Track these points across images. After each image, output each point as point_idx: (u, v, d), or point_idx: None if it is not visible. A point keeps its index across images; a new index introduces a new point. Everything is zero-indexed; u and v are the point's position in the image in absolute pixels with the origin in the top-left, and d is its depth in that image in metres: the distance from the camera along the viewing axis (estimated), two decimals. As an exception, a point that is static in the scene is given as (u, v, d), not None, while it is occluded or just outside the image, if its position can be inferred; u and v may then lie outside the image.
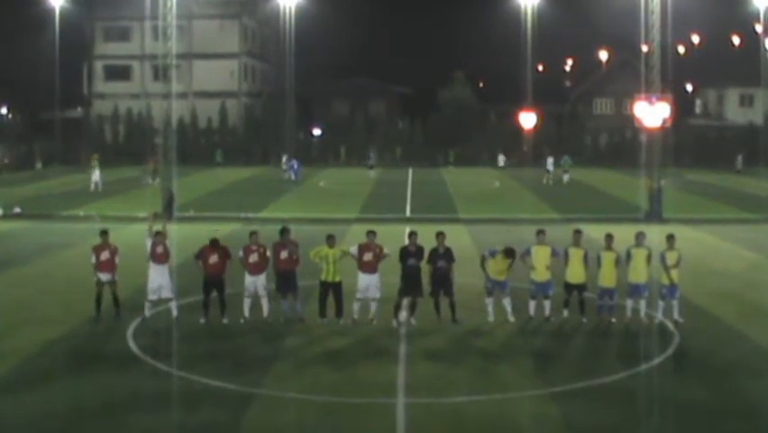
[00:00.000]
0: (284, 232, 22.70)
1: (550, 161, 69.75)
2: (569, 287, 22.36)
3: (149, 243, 22.48)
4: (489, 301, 22.39)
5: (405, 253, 21.98)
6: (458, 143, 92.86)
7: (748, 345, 20.62)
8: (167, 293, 22.33)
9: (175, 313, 22.32)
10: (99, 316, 22.39)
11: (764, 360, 19.33)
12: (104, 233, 23.16)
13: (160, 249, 22.38)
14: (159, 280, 22.23)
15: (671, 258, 22.30)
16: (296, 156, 72.26)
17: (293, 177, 64.52)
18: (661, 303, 22.35)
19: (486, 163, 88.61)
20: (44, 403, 16.23)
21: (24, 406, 16.09)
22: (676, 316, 22.25)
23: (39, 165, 73.33)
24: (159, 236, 22.70)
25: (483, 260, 22.66)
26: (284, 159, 71.85)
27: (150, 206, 44.83)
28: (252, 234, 22.79)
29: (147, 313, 22.37)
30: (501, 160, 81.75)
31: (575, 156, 80.00)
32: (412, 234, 22.35)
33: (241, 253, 22.31)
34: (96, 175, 58.24)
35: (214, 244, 22.37)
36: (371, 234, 22.39)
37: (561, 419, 15.52)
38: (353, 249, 22.27)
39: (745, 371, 18.40)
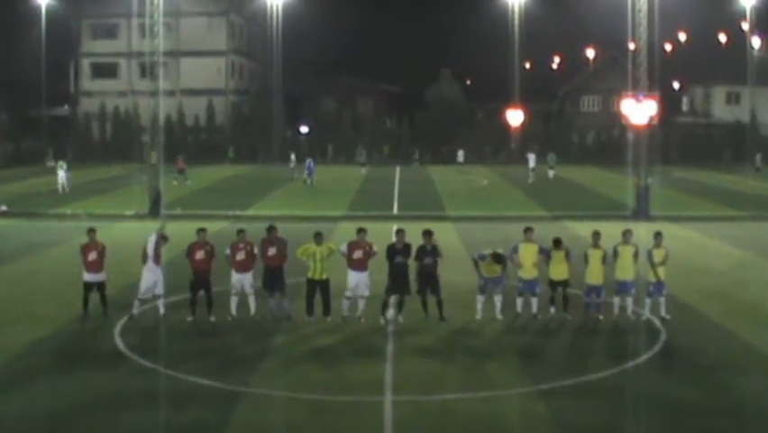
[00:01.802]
0: (270, 229, 22.67)
1: (531, 157, 69.96)
2: (552, 284, 22.43)
3: (152, 243, 22.29)
4: (480, 299, 22.40)
5: (392, 251, 21.96)
6: (444, 142, 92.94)
7: (734, 342, 20.69)
8: (159, 290, 22.25)
9: (162, 311, 22.26)
10: (87, 315, 22.32)
11: (750, 357, 19.38)
12: (91, 231, 23.07)
13: (160, 251, 22.35)
14: (153, 278, 22.16)
15: (658, 255, 22.36)
16: (306, 156, 71.76)
17: (307, 176, 63.13)
18: (648, 300, 22.42)
19: (472, 161, 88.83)
20: (32, 401, 16.17)
21: (12, 404, 16.03)
22: (663, 313, 22.31)
23: (51, 163, 72.06)
24: (163, 240, 22.59)
25: (475, 262, 22.69)
26: (292, 157, 71.40)
27: (137, 204, 44.85)
28: (240, 231, 22.75)
29: (135, 311, 22.29)
30: (460, 155, 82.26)
31: (563, 154, 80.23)
32: (399, 232, 22.30)
33: (228, 251, 22.30)
34: (61, 177, 56.51)
35: (201, 237, 22.31)
36: (362, 231, 22.39)
37: (548, 417, 15.54)
38: (343, 247, 22.28)
39: (732, 367, 18.45)
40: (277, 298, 22.26)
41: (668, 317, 22.21)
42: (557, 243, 22.67)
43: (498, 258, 22.25)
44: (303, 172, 63.96)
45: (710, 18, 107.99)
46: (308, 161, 64.97)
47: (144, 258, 22.30)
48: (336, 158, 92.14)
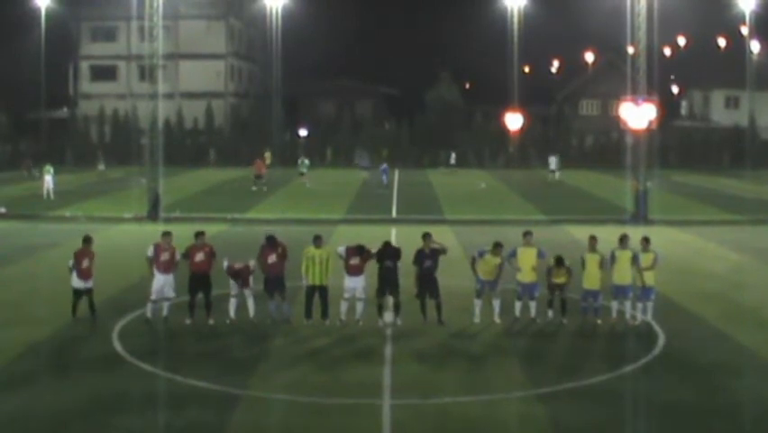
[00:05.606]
0: (270, 239, 22.62)
1: (553, 160, 71.17)
2: (551, 286, 22.44)
3: (150, 251, 22.33)
4: (478, 303, 22.40)
5: (381, 255, 22.06)
6: (443, 145, 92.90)
7: (732, 345, 20.72)
8: (169, 292, 22.20)
9: (165, 313, 22.19)
10: (76, 319, 22.24)
11: (747, 360, 19.42)
12: (87, 240, 22.98)
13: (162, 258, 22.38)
14: (162, 280, 22.10)
15: (645, 260, 22.32)
16: (309, 157, 71.94)
17: (384, 180, 63.78)
18: (639, 305, 22.46)
19: (473, 165, 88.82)
20: (29, 404, 16.18)
21: (9, 407, 16.01)
22: (640, 316, 22.30)
23: (102, 167, 71.23)
24: (167, 237, 22.59)
25: (473, 261, 22.70)
26: (299, 161, 70.68)
27: (136, 207, 44.80)
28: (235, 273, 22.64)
29: (149, 314, 22.19)
30: (452, 158, 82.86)
31: (561, 157, 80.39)
32: (386, 244, 22.50)
33: (225, 264, 22.28)
34: (47, 182, 54.61)
35: (200, 240, 22.31)
36: (361, 247, 22.38)
37: (547, 420, 15.54)
38: (341, 249, 22.34)
39: (729, 370, 18.49)
40: (276, 300, 22.28)
41: (637, 322, 22.19)
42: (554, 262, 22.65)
43: (498, 246, 22.22)
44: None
45: (710, 22, 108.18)
46: (383, 166, 66.53)
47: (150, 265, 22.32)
48: (335, 160, 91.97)
